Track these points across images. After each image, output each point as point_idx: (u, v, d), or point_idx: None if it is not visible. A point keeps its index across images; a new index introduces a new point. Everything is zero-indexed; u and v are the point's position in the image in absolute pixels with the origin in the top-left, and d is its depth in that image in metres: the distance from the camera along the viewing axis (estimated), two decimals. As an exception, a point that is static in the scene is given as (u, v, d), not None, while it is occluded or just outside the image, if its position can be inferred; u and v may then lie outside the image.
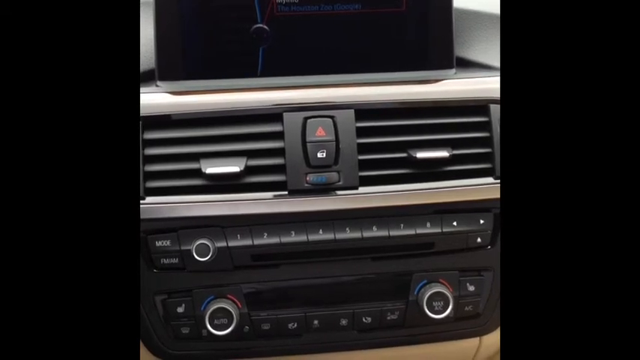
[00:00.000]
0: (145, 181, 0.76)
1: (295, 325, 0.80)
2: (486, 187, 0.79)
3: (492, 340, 0.86)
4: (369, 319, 0.81)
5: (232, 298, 0.79)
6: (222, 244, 0.77)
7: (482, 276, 0.82)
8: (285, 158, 0.76)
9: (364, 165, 0.77)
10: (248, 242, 0.77)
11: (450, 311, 0.79)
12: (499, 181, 0.78)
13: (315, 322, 0.80)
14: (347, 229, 0.78)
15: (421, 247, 0.79)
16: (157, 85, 0.81)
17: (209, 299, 0.78)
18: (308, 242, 0.77)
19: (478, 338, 0.86)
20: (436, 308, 0.79)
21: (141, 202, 0.75)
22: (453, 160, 0.78)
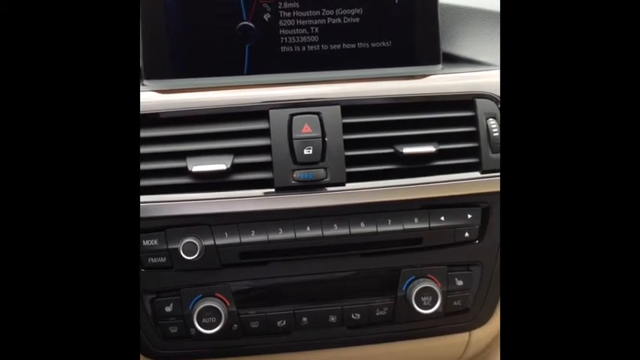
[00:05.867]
0: None
1: (284, 323, 0.80)
2: (473, 182, 0.79)
3: (482, 334, 0.87)
4: (358, 316, 0.81)
5: (220, 296, 0.78)
6: (210, 242, 0.76)
7: (470, 271, 0.82)
8: (271, 155, 0.76)
9: (351, 161, 0.77)
10: (236, 240, 0.77)
11: (439, 306, 0.79)
12: (486, 175, 0.78)
13: (304, 319, 0.80)
14: (335, 225, 0.78)
15: (409, 242, 0.79)
16: (143, 84, 0.80)
17: (197, 298, 0.78)
18: (296, 239, 0.77)
19: (467, 333, 0.86)
20: (425, 303, 0.79)
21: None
22: (439, 155, 0.78)
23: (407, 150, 0.77)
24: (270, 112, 0.76)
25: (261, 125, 0.77)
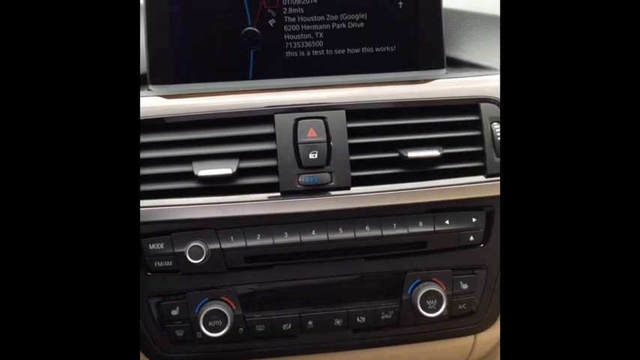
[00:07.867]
0: None
1: (290, 326, 0.80)
2: (478, 186, 0.79)
3: (487, 337, 0.87)
4: (364, 319, 0.81)
5: (226, 299, 0.79)
6: (216, 246, 0.77)
7: (475, 274, 0.82)
8: (277, 160, 0.76)
9: (356, 165, 0.77)
10: (241, 244, 0.77)
11: (444, 310, 0.79)
12: (490, 179, 0.79)
13: (310, 322, 0.80)
14: (340, 229, 0.78)
15: (414, 246, 0.80)
16: (148, 89, 0.81)
17: (203, 301, 0.78)
18: (301, 243, 0.77)
19: (473, 336, 0.86)
20: (430, 307, 0.79)
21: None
22: (444, 159, 0.78)
23: (412, 154, 0.77)
24: (276, 116, 0.77)
25: (266, 130, 0.77)
